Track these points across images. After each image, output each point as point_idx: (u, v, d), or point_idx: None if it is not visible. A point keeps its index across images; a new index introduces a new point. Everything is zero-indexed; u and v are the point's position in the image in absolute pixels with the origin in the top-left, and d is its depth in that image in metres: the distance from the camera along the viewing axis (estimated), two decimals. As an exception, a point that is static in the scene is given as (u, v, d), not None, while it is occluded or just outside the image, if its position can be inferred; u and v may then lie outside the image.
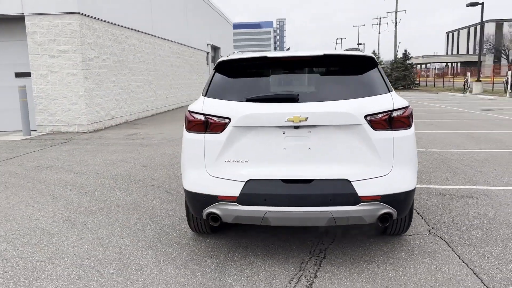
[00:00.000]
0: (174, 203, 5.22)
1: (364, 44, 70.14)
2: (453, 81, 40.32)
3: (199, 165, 3.43)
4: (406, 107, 3.36)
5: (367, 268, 3.40)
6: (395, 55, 50.22)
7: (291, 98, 3.29)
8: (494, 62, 79.80)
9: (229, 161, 3.34)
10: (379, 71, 3.55)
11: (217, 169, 3.36)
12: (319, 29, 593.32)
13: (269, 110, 3.24)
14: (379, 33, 68.34)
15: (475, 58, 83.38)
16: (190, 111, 3.52)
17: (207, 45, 28.35)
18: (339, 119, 3.20)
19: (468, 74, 31.91)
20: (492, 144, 9.00)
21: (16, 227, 4.50)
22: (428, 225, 4.30)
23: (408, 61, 41.72)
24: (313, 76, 3.57)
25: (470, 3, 30.96)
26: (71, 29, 11.68)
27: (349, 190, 3.18)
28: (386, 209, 3.21)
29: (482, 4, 30.61)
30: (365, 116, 3.22)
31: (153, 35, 17.57)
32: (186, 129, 3.55)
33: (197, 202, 3.46)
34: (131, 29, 15.34)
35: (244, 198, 3.24)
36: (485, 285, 3.11)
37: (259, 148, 3.29)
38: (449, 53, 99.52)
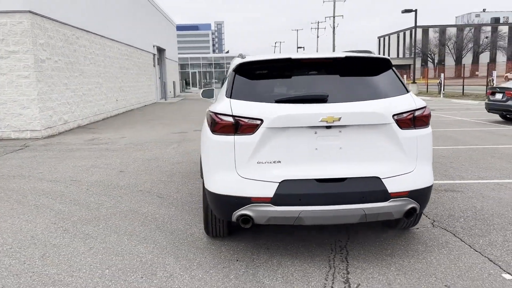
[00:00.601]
0: (173, 207, 5.10)
1: (304, 47, 71.93)
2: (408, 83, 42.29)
3: (229, 167, 3.39)
4: (425, 107, 3.55)
5: (392, 262, 3.54)
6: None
7: (321, 99, 3.36)
8: (421, 65, 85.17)
9: (262, 162, 3.34)
10: (395, 73, 3.71)
11: (249, 170, 3.35)
12: (257, 32, 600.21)
13: (302, 111, 3.29)
14: (318, 37, 70.53)
15: (406, 62, 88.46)
16: (216, 113, 3.47)
17: (153, 46, 27.77)
18: (370, 119, 3.31)
19: (404, 76, 33.77)
20: (450, 142, 9.64)
21: (10, 240, 4.18)
22: (429, 219, 4.55)
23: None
24: (335, 77, 3.65)
25: (405, 10, 32.87)
26: (21, 29, 10.97)
27: (380, 187, 3.30)
28: (412, 204, 3.37)
29: (416, 11, 32.68)
30: (393, 116, 3.36)
31: (102, 36, 16.92)
32: (211, 131, 3.50)
33: (226, 205, 3.41)
34: (82, 29, 14.67)
35: (279, 198, 3.25)
36: (504, 270, 3.35)
37: (292, 149, 3.32)
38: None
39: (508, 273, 3.30)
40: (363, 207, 3.28)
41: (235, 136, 3.36)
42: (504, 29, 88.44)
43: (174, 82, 36.28)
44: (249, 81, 3.64)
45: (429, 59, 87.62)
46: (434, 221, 4.48)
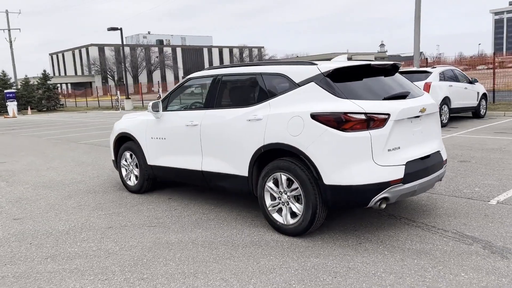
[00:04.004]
0: (223, 211, 4.65)
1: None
2: (98, 100, 41.94)
3: (366, 159, 3.84)
4: None
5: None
6: (15, 75, 46.90)
7: (407, 95, 4.26)
8: (102, 82, 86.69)
9: (391, 150, 3.96)
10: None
11: (383, 158, 3.90)
12: None
13: (410, 105, 4.11)
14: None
15: (86, 79, 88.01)
16: (345, 113, 3.82)
17: None
18: (434, 108, 4.46)
19: (118, 92, 34.38)
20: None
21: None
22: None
23: (49, 82, 40.03)
24: (394, 78, 4.52)
25: (111, 27, 33.51)
26: None
27: (441, 158, 4.51)
28: (445, 169, 4.73)
29: (121, 29, 33.81)
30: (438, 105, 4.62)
31: None
32: (340, 129, 3.82)
33: (366, 193, 3.85)
34: None
35: (407, 178, 3.98)
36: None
37: (402, 135, 4.08)
38: (56, 74, 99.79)
39: None
40: (438, 174, 4.41)
41: (370, 131, 3.84)
42: (169, 50, 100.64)
43: None
44: (348, 83, 4.12)
45: (109, 76, 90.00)
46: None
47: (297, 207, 4.19)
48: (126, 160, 6.41)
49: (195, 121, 5.15)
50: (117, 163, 6.65)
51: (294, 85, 4.30)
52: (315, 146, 3.97)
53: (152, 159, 5.88)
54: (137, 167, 6.24)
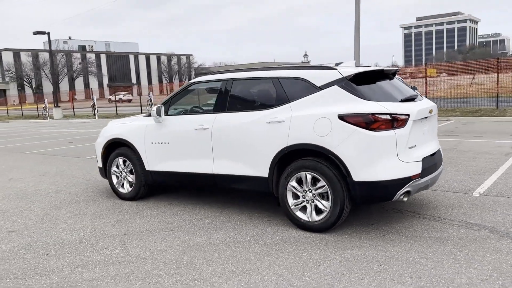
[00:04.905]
0: (233, 213, 4.69)
1: None
2: (21, 108, 39.10)
3: (392, 156, 4.19)
4: None
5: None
6: None
7: (415, 98, 4.69)
8: (18, 90, 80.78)
9: (411, 147, 4.34)
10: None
11: (405, 155, 4.27)
12: None
13: (422, 106, 4.53)
14: None
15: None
16: (373, 113, 4.14)
17: None
18: (436, 110, 4.93)
19: (46, 100, 32.39)
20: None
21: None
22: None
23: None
24: (397, 82, 4.93)
25: (38, 31, 31.67)
26: None
27: (441, 155, 5.01)
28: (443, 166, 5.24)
29: (48, 33, 32.05)
30: (435, 108, 5.11)
31: None
32: (369, 129, 4.13)
33: (391, 187, 4.20)
34: None
35: (424, 172, 4.39)
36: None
37: (417, 135, 4.48)
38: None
39: None
40: (440, 169, 4.89)
41: (395, 130, 4.20)
42: (92, 57, 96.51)
43: None
44: (366, 86, 4.45)
45: (26, 83, 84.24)
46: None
47: (323, 204, 4.42)
48: (118, 167, 6.23)
49: (205, 125, 5.20)
50: (105, 171, 6.44)
51: (315, 89, 4.55)
52: (344, 145, 4.23)
53: (152, 165, 5.79)
54: (131, 173, 6.10)
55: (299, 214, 4.60)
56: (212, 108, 5.40)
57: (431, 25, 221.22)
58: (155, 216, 5.40)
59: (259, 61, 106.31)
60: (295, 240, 4.35)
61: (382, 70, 4.72)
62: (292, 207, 4.63)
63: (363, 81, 4.48)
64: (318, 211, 4.50)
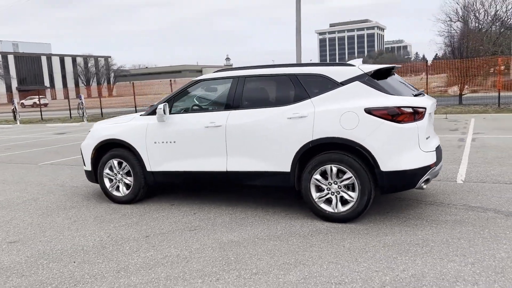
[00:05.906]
0: (248, 210, 4.68)
1: None
2: None
3: (415, 146, 4.51)
4: None
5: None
6: None
7: (422, 93, 5.07)
8: None
9: (428, 138, 4.68)
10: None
11: (425, 145, 4.60)
12: None
13: (432, 101, 4.92)
14: None
15: None
16: (398, 107, 4.42)
17: None
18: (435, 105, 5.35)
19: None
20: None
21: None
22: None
23: None
24: (399, 78, 5.27)
25: None
26: None
27: (441, 147, 5.43)
28: (435, 155, 5.70)
29: None
30: (431, 104, 5.54)
31: None
32: (394, 121, 4.42)
33: (415, 176, 4.51)
34: None
35: (437, 161, 4.77)
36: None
37: (428, 127, 4.84)
38: None
39: None
40: (442, 160, 5.32)
41: (417, 122, 4.52)
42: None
43: None
44: (383, 82, 4.73)
45: None
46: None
47: (350, 195, 4.61)
48: (112, 169, 5.92)
49: (218, 122, 5.16)
50: (95, 174, 6.08)
51: (336, 84, 4.73)
52: (372, 137, 4.46)
53: (155, 165, 5.59)
54: (128, 175, 5.83)
55: (324, 206, 4.74)
56: (222, 105, 5.36)
57: (343, 31, 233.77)
58: (167, 217, 5.23)
59: (183, 64, 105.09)
60: (326, 231, 4.48)
61: (393, 67, 5.04)
62: (316, 200, 4.75)
63: (380, 77, 4.75)
64: (344, 202, 4.67)
